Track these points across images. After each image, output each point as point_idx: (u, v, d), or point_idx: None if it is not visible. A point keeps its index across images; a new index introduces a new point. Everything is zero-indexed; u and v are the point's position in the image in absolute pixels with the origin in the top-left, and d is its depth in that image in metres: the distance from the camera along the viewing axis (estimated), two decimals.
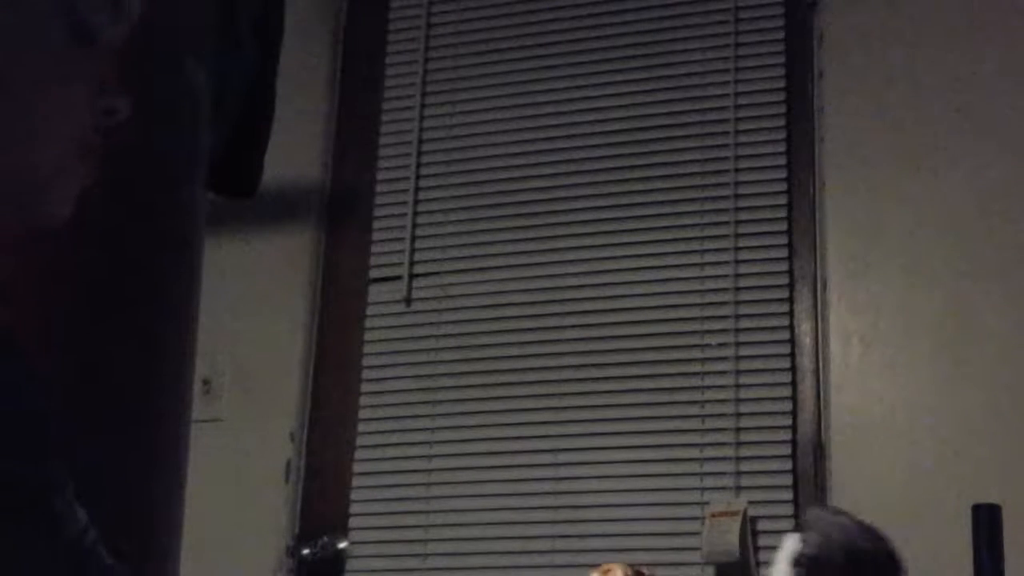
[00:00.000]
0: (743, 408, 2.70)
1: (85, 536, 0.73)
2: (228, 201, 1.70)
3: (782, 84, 2.87)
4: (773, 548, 2.57)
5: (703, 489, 2.69)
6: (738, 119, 2.86)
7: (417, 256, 2.99)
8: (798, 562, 1.73)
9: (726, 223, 2.81)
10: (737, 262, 2.79)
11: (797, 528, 1.80)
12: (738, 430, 2.69)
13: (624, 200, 2.89)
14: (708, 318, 2.78)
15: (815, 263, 2.76)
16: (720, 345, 2.75)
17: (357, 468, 2.90)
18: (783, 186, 2.81)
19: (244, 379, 2.95)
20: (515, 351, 2.87)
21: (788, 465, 2.66)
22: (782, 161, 2.83)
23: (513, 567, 2.75)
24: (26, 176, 0.78)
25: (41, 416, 0.75)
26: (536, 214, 2.94)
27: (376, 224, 3.05)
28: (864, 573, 1.73)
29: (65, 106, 0.78)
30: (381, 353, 2.96)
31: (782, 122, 2.85)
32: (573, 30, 3.02)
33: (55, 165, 0.78)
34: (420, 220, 3.01)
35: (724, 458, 2.69)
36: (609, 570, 2.03)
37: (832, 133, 2.80)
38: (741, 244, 2.80)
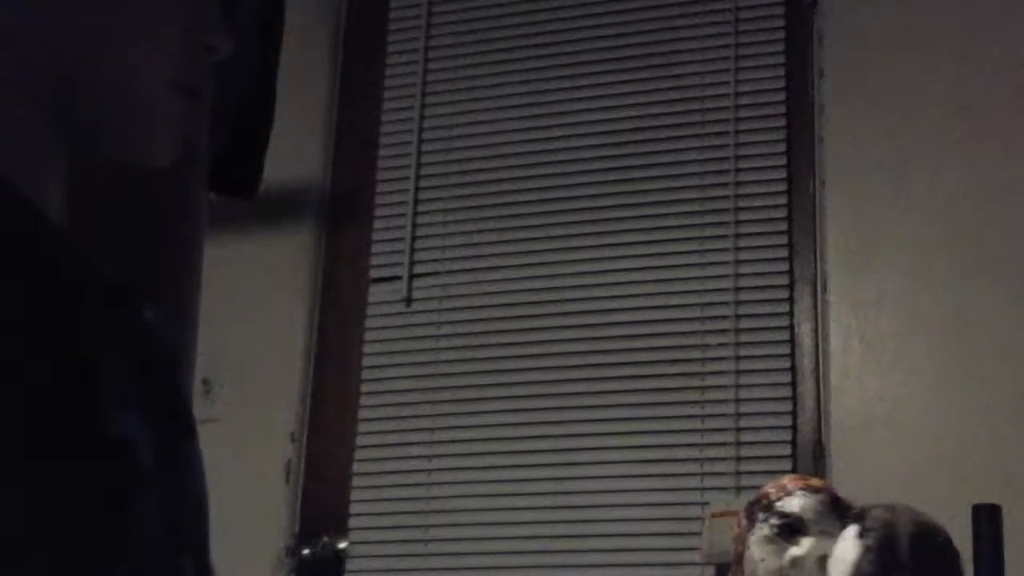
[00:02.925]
0: (743, 408, 2.70)
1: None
2: (228, 201, 1.70)
3: (782, 84, 2.87)
4: None
5: (703, 489, 2.69)
6: (738, 119, 2.86)
7: (417, 256, 2.99)
8: (864, 532, 1.73)
9: (726, 223, 2.81)
10: (737, 262, 2.79)
11: (855, 517, 1.80)
12: (738, 430, 2.69)
13: (624, 200, 2.89)
14: (708, 318, 2.78)
15: (815, 263, 2.76)
16: (720, 345, 2.75)
17: (357, 468, 2.90)
18: (783, 186, 2.82)
19: (244, 379, 2.95)
20: (515, 351, 2.87)
21: (788, 465, 2.66)
22: (782, 161, 2.83)
23: (513, 567, 2.75)
24: (120, 107, 0.76)
25: None
26: (536, 214, 2.94)
27: (376, 224, 3.05)
28: (931, 542, 1.73)
29: (162, 38, 0.76)
30: (381, 353, 2.96)
31: (782, 122, 2.85)
32: (573, 30, 3.02)
33: (148, 98, 0.76)
34: (420, 220, 3.01)
35: (724, 458, 2.69)
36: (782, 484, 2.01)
37: (832, 133, 2.80)
38: (741, 244, 2.80)
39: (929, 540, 1.74)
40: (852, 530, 1.76)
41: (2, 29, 0.72)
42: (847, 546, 1.76)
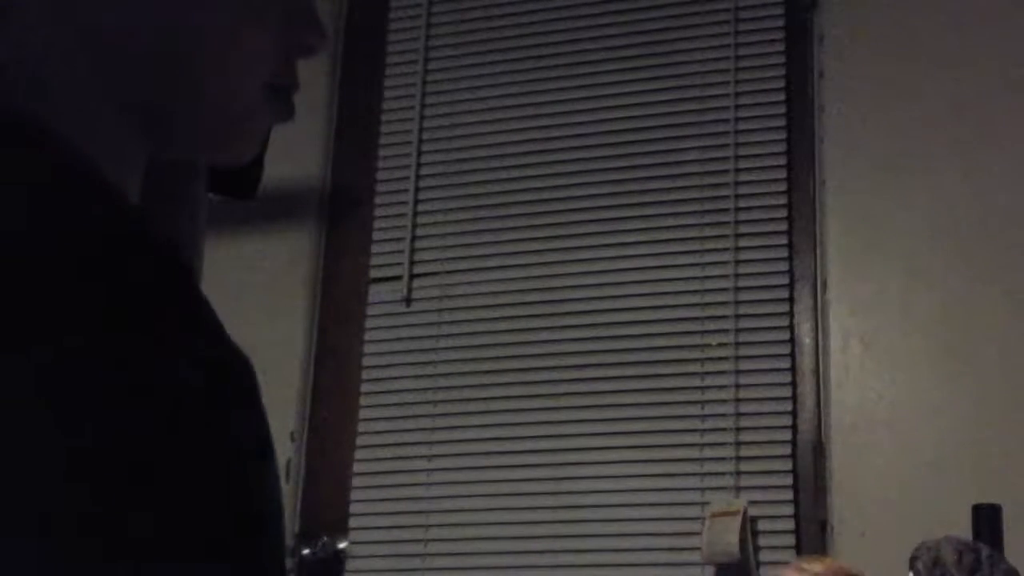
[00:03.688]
0: (743, 408, 2.70)
1: None
2: (228, 201, 1.70)
3: (782, 84, 2.87)
4: (773, 548, 2.58)
5: (703, 489, 2.69)
6: (738, 119, 2.86)
7: (417, 256, 2.99)
8: (914, 559, 1.75)
9: (726, 223, 2.81)
10: (737, 262, 2.79)
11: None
12: (738, 430, 2.69)
13: (624, 200, 2.89)
14: (708, 318, 2.78)
15: (815, 263, 2.76)
16: (720, 345, 2.75)
17: (357, 468, 2.90)
18: (783, 186, 2.82)
19: None
20: (515, 351, 2.87)
21: (788, 465, 2.66)
22: (782, 161, 2.83)
23: (513, 567, 2.75)
24: (218, 112, 0.75)
25: None
26: (536, 214, 2.94)
27: (376, 224, 3.05)
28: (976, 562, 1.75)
29: (260, 40, 0.74)
30: (381, 353, 2.96)
31: (782, 122, 2.85)
32: (573, 30, 3.02)
33: (247, 103, 0.75)
34: (420, 220, 3.01)
35: (724, 458, 2.69)
36: (805, 568, 2.01)
37: (832, 133, 2.81)
38: (741, 244, 2.80)
39: (974, 555, 1.76)
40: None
41: (100, 28, 0.71)
42: None
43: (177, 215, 1.25)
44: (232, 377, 0.66)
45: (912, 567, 1.78)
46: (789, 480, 2.65)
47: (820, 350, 2.70)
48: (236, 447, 0.62)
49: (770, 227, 2.80)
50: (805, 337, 2.73)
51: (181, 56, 0.72)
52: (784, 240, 2.79)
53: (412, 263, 2.99)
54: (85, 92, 0.70)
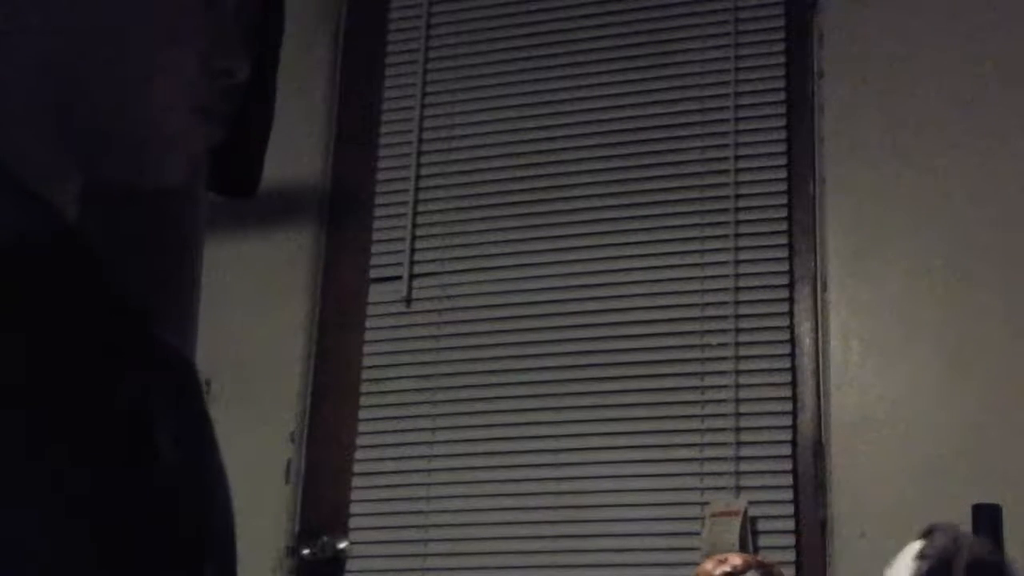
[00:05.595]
0: (743, 408, 2.70)
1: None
2: (228, 201, 1.70)
3: (782, 84, 2.87)
4: (773, 548, 2.58)
5: (703, 489, 2.69)
6: (738, 119, 2.86)
7: (417, 256, 2.99)
8: (923, 555, 1.74)
9: (726, 223, 2.81)
10: (737, 262, 2.79)
11: (922, 535, 1.81)
12: (738, 430, 2.69)
13: (624, 200, 2.89)
14: (708, 318, 2.78)
15: (815, 263, 2.76)
16: (720, 345, 2.75)
17: (357, 468, 2.90)
18: (783, 186, 2.82)
19: (244, 379, 2.95)
20: (515, 351, 2.87)
21: (788, 465, 2.66)
22: (782, 161, 2.83)
23: (513, 567, 2.75)
24: (145, 135, 0.77)
25: None
26: (536, 214, 2.94)
27: (376, 224, 3.05)
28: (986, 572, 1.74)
29: (186, 66, 0.77)
30: (381, 353, 2.96)
31: (782, 122, 2.85)
32: (573, 30, 3.02)
33: (173, 126, 0.77)
34: (420, 220, 3.01)
35: (724, 458, 2.69)
36: (725, 559, 2.02)
37: (832, 133, 2.80)
38: (741, 244, 2.80)
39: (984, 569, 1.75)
40: (914, 547, 1.77)
41: (21, 54, 0.72)
42: (904, 563, 1.77)
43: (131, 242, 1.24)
44: (161, 387, 0.68)
45: (920, 555, 1.78)
46: (789, 480, 2.65)
47: (820, 350, 2.70)
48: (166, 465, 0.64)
49: (770, 227, 2.80)
50: (805, 337, 2.73)
51: (103, 82, 0.74)
52: (784, 240, 2.79)
53: (412, 263, 2.99)
54: (16, 118, 0.72)
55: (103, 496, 0.61)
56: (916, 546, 1.72)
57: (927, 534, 1.72)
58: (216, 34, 0.79)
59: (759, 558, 2.09)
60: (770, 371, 2.72)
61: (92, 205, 0.80)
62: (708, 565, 2.01)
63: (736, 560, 2.02)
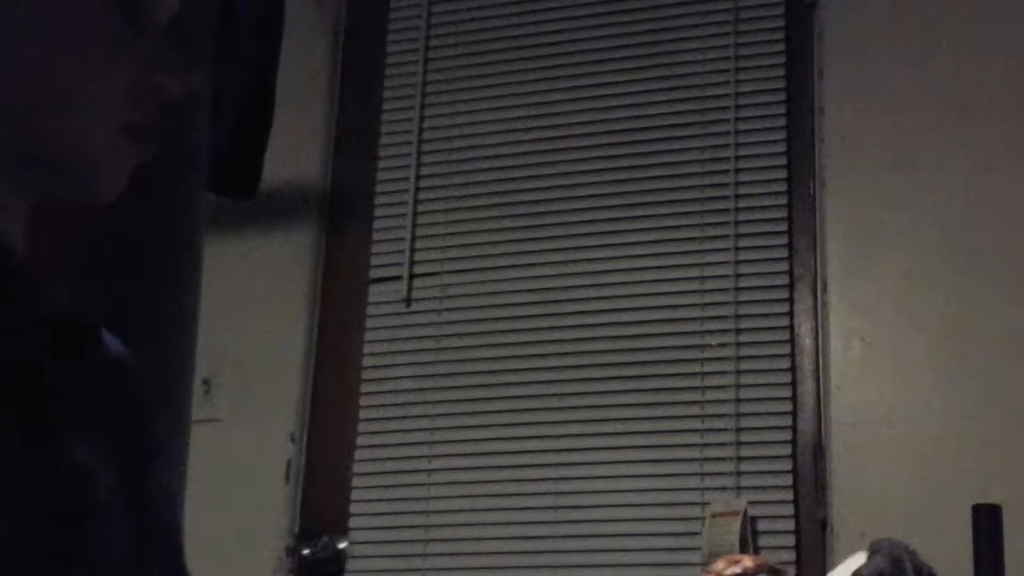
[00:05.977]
0: (743, 408, 2.70)
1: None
2: (228, 201, 1.70)
3: (782, 84, 2.87)
4: (773, 548, 2.58)
5: (703, 489, 2.69)
6: (738, 119, 2.86)
7: (417, 256, 2.99)
8: (858, 574, 1.74)
9: (726, 223, 2.81)
10: (737, 262, 2.79)
11: (868, 550, 1.81)
12: (738, 430, 2.69)
13: (624, 200, 2.89)
14: (708, 318, 2.78)
15: (815, 263, 2.76)
16: (720, 345, 2.75)
17: (357, 468, 2.90)
18: (783, 186, 2.81)
19: (244, 379, 2.95)
20: (515, 351, 2.87)
21: (788, 465, 2.66)
22: (782, 161, 2.83)
23: (513, 567, 2.75)
24: (75, 152, 0.78)
25: None
26: (536, 214, 2.94)
27: (376, 224, 3.05)
28: None
29: (113, 83, 0.78)
30: (381, 353, 2.96)
31: (782, 122, 2.85)
32: (573, 30, 3.02)
33: (104, 142, 0.78)
34: (420, 220, 3.01)
35: (724, 458, 2.69)
36: (738, 560, 2.02)
37: (832, 133, 2.80)
38: (741, 244, 2.80)
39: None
40: (853, 564, 1.77)
41: None
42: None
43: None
44: None
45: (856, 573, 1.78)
46: (789, 480, 2.65)
47: (820, 350, 2.70)
48: None
49: (770, 227, 2.80)
50: (805, 337, 2.73)
51: (28, 106, 0.75)
52: (784, 240, 2.79)
53: (412, 263, 2.99)
54: None
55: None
56: (855, 563, 1.72)
57: (872, 552, 1.72)
58: (146, 53, 0.79)
59: (769, 561, 2.09)
60: (770, 371, 2.72)
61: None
62: (720, 564, 2.01)
63: (748, 562, 2.02)
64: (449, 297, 2.95)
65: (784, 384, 2.71)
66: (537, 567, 2.74)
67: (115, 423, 0.77)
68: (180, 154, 1.45)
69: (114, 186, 0.81)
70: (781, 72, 2.87)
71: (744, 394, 2.71)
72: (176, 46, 0.82)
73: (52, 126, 0.76)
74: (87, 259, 1.26)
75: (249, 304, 2.97)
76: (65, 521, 0.68)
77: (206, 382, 2.89)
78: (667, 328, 2.79)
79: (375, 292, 3.00)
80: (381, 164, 3.08)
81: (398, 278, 2.99)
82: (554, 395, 2.82)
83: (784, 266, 2.78)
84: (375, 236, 3.04)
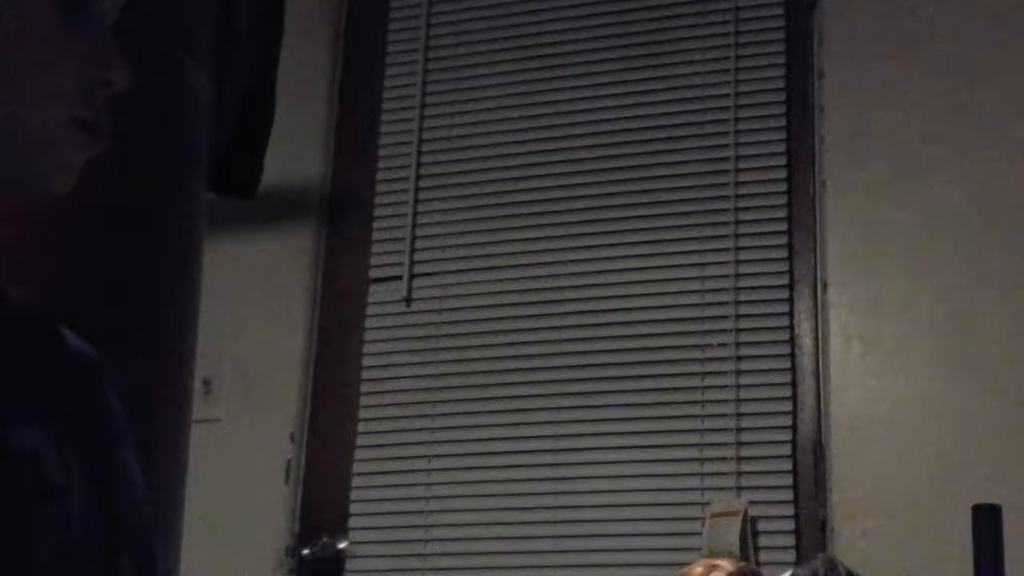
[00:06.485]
0: (743, 408, 2.71)
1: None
2: (228, 201, 1.70)
3: (782, 84, 2.87)
4: (773, 548, 2.58)
5: (703, 489, 2.69)
6: (738, 119, 2.86)
7: (417, 256, 2.99)
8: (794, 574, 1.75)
9: (726, 223, 2.81)
10: (737, 262, 2.79)
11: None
12: (738, 430, 2.69)
13: (624, 200, 2.89)
14: (708, 318, 2.78)
15: (815, 263, 2.76)
16: (720, 345, 2.75)
17: (357, 468, 2.90)
18: (783, 186, 2.82)
19: (244, 379, 2.95)
20: (515, 351, 2.87)
21: (788, 465, 2.66)
22: (782, 161, 2.83)
23: (513, 567, 2.75)
24: (22, 147, 0.78)
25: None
26: (536, 214, 2.94)
27: (376, 224, 3.05)
28: None
29: (58, 78, 0.79)
30: (381, 353, 2.96)
31: (782, 122, 2.85)
32: (573, 30, 3.02)
33: (50, 137, 0.79)
34: (420, 220, 3.01)
35: (724, 458, 2.69)
36: (716, 566, 2.02)
37: (832, 133, 2.80)
38: (741, 244, 2.80)
39: None
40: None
41: None
42: None
43: None
44: None
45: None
46: (789, 480, 2.65)
47: (820, 350, 2.70)
48: None
49: (770, 227, 2.80)
50: (805, 337, 2.73)
51: None
52: (784, 240, 2.79)
53: (412, 263, 2.99)
54: None
55: None
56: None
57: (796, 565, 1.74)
58: (89, 48, 0.80)
59: (750, 565, 2.08)
60: (770, 371, 2.72)
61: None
62: (698, 570, 2.01)
63: (729, 567, 2.02)
64: (449, 297, 2.95)
65: (784, 384, 2.71)
66: (537, 567, 2.74)
67: (77, 410, 0.79)
68: (180, 153, 1.46)
69: (64, 181, 0.81)
70: (781, 72, 2.87)
71: (744, 394, 2.71)
72: (124, 39, 0.83)
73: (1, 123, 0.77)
74: (72, 258, 1.26)
75: (249, 304, 2.98)
76: (13, 513, 0.70)
77: (206, 382, 2.89)
78: (667, 328, 2.79)
79: (375, 292, 3.00)
80: (381, 164, 3.08)
81: (398, 278, 2.99)
82: (554, 395, 2.82)
83: (784, 266, 2.78)
84: (375, 236, 3.04)
